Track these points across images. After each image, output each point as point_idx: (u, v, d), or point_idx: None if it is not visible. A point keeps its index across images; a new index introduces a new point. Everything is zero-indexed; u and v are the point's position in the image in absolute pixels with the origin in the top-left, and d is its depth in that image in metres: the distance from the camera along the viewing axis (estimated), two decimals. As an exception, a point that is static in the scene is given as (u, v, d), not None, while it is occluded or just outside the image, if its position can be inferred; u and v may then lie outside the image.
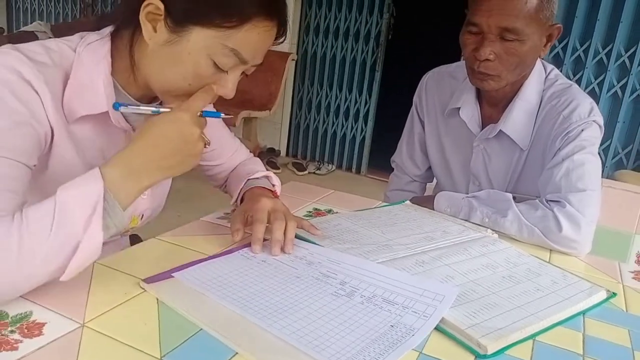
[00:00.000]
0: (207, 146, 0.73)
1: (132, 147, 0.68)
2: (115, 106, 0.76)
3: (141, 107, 0.76)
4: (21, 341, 0.59)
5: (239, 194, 1.02)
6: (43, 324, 0.62)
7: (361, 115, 4.21)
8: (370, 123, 4.19)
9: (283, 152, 4.59)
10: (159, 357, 0.58)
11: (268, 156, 4.22)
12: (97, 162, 0.80)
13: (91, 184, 0.63)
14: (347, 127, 4.31)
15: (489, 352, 0.64)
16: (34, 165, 0.72)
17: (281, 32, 0.77)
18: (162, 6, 0.71)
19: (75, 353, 0.58)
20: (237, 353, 0.60)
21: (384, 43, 3.99)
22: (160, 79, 0.77)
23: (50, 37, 2.82)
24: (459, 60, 1.30)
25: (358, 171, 4.33)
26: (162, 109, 0.75)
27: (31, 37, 3.03)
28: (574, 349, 0.69)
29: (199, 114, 0.72)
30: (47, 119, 0.73)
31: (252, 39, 0.73)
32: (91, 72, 0.76)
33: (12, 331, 0.60)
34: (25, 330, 0.61)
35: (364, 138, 4.25)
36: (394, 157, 1.52)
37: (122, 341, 0.60)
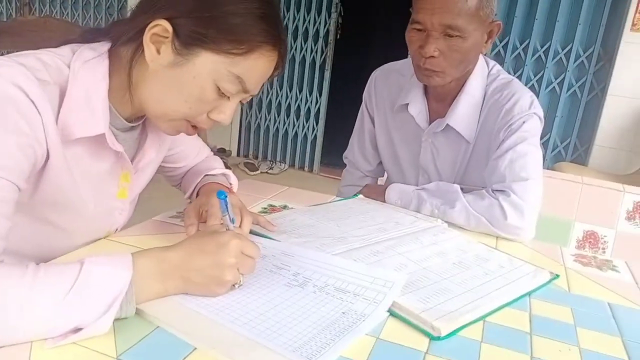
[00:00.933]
0: (235, 286, 0.70)
1: (171, 248, 0.68)
2: (221, 195, 0.74)
3: (228, 221, 0.75)
4: (-33, 348, 0.56)
5: (195, 188, 1.01)
6: (-10, 329, 0.59)
7: (312, 114, 4.23)
8: (321, 122, 4.22)
9: (234, 152, 4.55)
10: (115, 357, 0.57)
11: (219, 156, 4.16)
12: (86, 185, 0.79)
13: (120, 270, 0.61)
14: (298, 126, 4.32)
15: (443, 334, 0.66)
16: (23, 189, 0.69)
17: (280, 63, 0.78)
18: (170, 29, 0.70)
19: (26, 355, 0.56)
20: (195, 348, 0.59)
21: (333, 42, 4.03)
22: (159, 101, 0.75)
23: None
24: (407, 57, 1.33)
25: (311, 169, 4.35)
26: (230, 226, 0.75)
27: None
28: (522, 328, 0.72)
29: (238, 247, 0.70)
30: (45, 140, 0.70)
31: (257, 67, 0.74)
32: (88, 91, 0.73)
33: (-44, 338, 0.58)
34: (-29, 336, 0.58)
35: (315, 137, 4.27)
36: (346, 154, 1.54)
37: (75, 342, 0.59)
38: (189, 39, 0.71)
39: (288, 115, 4.34)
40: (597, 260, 1.03)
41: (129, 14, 0.78)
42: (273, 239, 0.89)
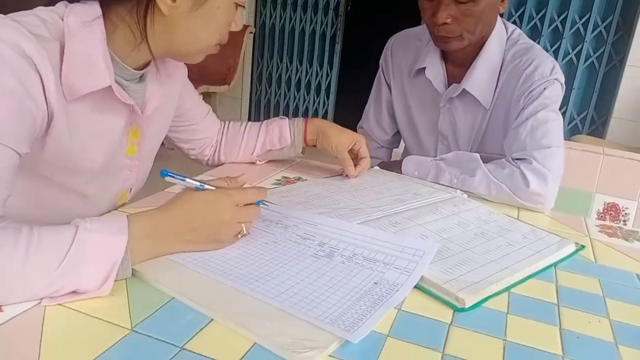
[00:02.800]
0: (239, 236, 0.71)
1: (163, 212, 0.66)
2: (163, 174, 0.70)
3: (187, 180, 0.71)
4: (-21, 318, 0.55)
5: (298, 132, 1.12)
6: (0, 302, 0.58)
7: (322, 88, 4.17)
8: (331, 96, 4.17)
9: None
10: (130, 328, 0.55)
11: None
12: (94, 144, 0.78)
13: (115, 235, 0.60)
14: (308, 101, 4.27)
15: (467, 305, 0.64)
16: (26, 153, 0.67)
17: None
18: None
19: (39, 328, 0.54)
20: (212, 320, 0.57)
21: (343, 14, 3.95)
22: (192, 42, 0.78)
23: None
24: (419, 22, 1.29)
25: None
26: (206, 186, 0.71)
27: None
28: (549, 299, 0.70)
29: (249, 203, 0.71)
30: (47, 102, 0.67)
31: None
32: (86, 43, 0.70)
33: (-32, 309, 0.56)
34: (-17, 307, 0.57)
35: (326, 112, 4.22)
36: (360, 123, 1.51)
37: (89, 314, 0.57)
38: None
39: (298, 90, 4.29)
40: (623, 231, 0.99)
41: None
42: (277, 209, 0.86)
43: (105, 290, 0.58)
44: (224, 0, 0.76)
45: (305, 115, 4.29)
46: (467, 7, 1.06)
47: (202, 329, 0.56)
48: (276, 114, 4.40)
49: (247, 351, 0.53)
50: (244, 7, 0.82)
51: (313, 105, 4.26)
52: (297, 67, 4.23)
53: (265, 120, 1.14)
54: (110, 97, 0.75)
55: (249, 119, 4.48)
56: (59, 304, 0.58)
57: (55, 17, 0.70)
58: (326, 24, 4.03)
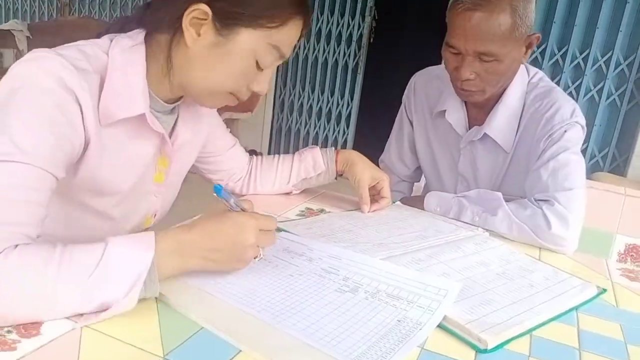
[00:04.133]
0: (256, 259, 0.73)
1: (190, 229, 0.69)
2: (217, 188, 0.74)
3: (231, 201, 0.75)
4: (19, 341, 0.57)
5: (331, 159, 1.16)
6: (40, 324, 0.60)
7: (343, 117, 4.22)
8: (352, 125, 4.21)
9: (265, 154, 4.56)
10: (162, 356, 0.57)
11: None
12: (124, 168, 0.81)
13: (143, 250, 0.63)
14: (328, 130, 4.31)
15: (490, 347, 0.65)
16: (62, 177, 0.71)
17: (306, 26, 0.82)
18: (209, 11, 0.73)
19: (76, 352, 0.57)
20: (240, 351, 0.59)
21: (366, 46, 4.01)
22: (204, 79, 0.79)
23: (27, 36, 2.77)
24: (436, 60, 1.32)
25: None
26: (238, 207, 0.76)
27: (7, 35, 3.01)
28: (570, 343, 0.70)
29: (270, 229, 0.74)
30: (84, 130, 0.72)
31: (290, 34, 0.79)
32: (127, 76, 0.75)
33: (9, 331, 0.59)
34: (23, 330, 0.59)
35: (345, 140, 4.26)
36: (382, 158, 1.53)
37: (123, 340, 0.59)
38: (229, 19, 0.74)
39: (319, 119, 4.34)
40: (645, 275, 0.99)
41: (154, 2, 0.80)
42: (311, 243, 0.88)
43: (131, 303, 0.61)
44: (244, 48, 0.76)
45: (325, 143, 4.33)
46: (491, 65, 1.09)
47: (232, 359, 0.58)
48: (296, 142, 4.45)
49: (275, 384, 0.55)
50: (265, 70, 0.81)
51: (333, 134, 4.30)
52: (318, 96, 4.29)
53: (297, 152, 1.18)
54: (143, 125, 0.79)
55: (270, 146, 4.55)
56: (95, 329, 0.60)
57: (97, 51, 0.75)
58: (349, 55, 4.10)
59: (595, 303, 0.84)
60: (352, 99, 4.16)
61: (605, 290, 0.88)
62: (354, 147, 4.22)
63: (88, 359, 0.56)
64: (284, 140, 4.52)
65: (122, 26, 0.81)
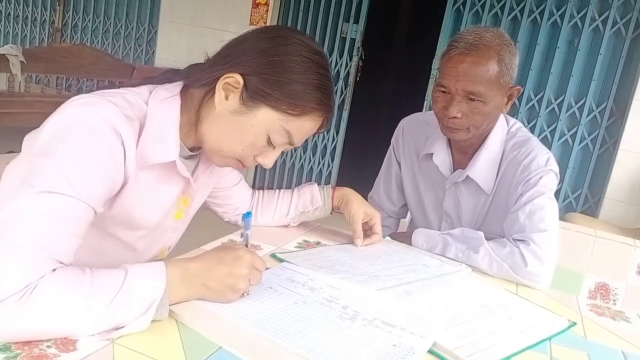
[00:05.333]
0: (244, 295, 0.82)
1: (194, 260, 0.79)
2: (247, 215, 0.89)
3: (246, 232, 0.89)
4: (59, 355, 0.64)
5: (328, 195, 1.26)
6: (75, 340, 0.67)
7: (328, 151, 4.34)
8: (336, 159, 4.32)
9: (250, 184, 4.63)
10: (188, 371, 0.65)
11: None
12: (152, 206, 0.90)
13: (156, 280, 0.72)
14: (314, 162, 4.42)
15: (474, 370, 0.73)
16: (100, 212, 0.78)
17: (325, 124, 0.89)
18: (242, 82, 0.82)
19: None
20: (256, 368, 0.67)
21: (352, 84, 4.17)
22: (217, 138, 0.87)
23: (21, 61, 2.87)
24: (420, 100, 1.43)
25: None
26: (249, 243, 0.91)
27: (2, 59, 3.10)
28: (544, 369, 0.79)
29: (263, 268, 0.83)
30: (125, 170, 0.80)
31: (305, 126, 0.86)
32: (163, 125, 0.84)
33: (48, 346, 0.66)
34: (61, 346, 0.66)
35: (330, 173, 4.37)
36: (371, 194, 1.63)
37: (151, 357, 0.67)
38: (256, 94, 0.83)
39: (305, 152, 4.45)
40: (611, 311, 1.09)
41: (205, 62, 0.89)
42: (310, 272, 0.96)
43: (145, 324, 0.70)
44: (259, 123, 0.83)
45: (310, 175, 4.44)
46: (477, 106, 1.21)
47: (249, 376, 0.65)
48: (281, 173, 4.54)
49: (288, 397, 0.62)
50: (276, 148, 0.88)
51: (318, 166, 4.41)
52: (305, 130, 4.41)
53: (296, 187, 1.27)
54: (172, 170, 0.88)
55: (255, 177, 4.64)
56: (125, 346, 0.67)
57: (139, 100, 0.84)
58: (336, 92, 4.24)
59: (566, 334, 0.93)
60: (337, 134, 4.28)
61: (575, 323, 0.97)
62: (338, 180, 4.33)
63: (123, 372, 0.63)
64: (269, 171, 4.61)
65: (170, 77, 0.90)
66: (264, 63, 0.82)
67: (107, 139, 0.76)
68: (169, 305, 0.74)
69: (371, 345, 0.74)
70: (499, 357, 0.78)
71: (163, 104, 0.85)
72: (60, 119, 0.77)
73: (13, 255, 0.66)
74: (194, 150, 0.94)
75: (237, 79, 0.82)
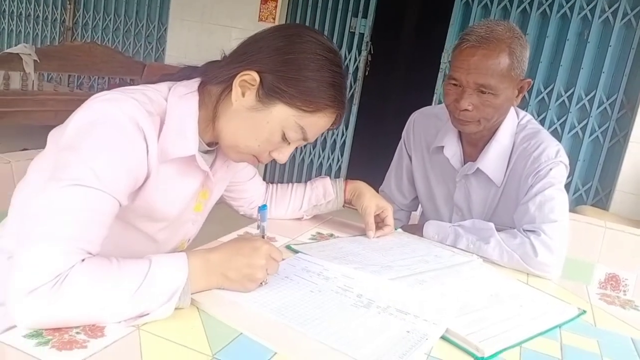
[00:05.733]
0: (262, 284, 0.84)
1: (215, 250, 0.82)
2: (263, 207, 0.93)
3: (262, 224, 0.93)
4: (88, 341, 0.67)
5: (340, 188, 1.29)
6: (103, 327, 0.70)
7: (337, 145, 4.36)
8: (346, 153, 4.34)
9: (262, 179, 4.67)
10: (211, 355, 0.68)
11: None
12: (173, 199, 0.93)
13: (178, 270, 0.75)
14: (323, 157, 4.44)
15: (486, 355, 0.76)
16: (125, 204, 0.81)
17: (338, 121, 0.92)
18: (258, 79, 0.84)
19: (138, 351, 0.67)
20: (276, 353, 0.70)
21: (361, 78, 4.18)
22: (234, 134, 0.89)
23: (35, 60, 2.92)
24: (430, 94, 1.45)
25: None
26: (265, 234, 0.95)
27: (15, 58, 3.15)
28: (554, 355, 0.82)
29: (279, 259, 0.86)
30: (148, 164, 0.83)
31: (319, 123, 0.88)
32: (182, 121, 0.87)
33: (77, 332, 0.69)
34: (89, 332, 0.69)
35: (340, 168, 4.39)
36: (382, 187, 1.65)
37: (176, 342, 0.70)
38: (271, 91, 0.85)
39: (314, 147, 4.47)
40: (620, 300, 1.11)
41: (223, 59, 0.92)
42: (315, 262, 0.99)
43: (168, 312, 0.73)
44: (275, 120, 0.86)
45: (320, 170, 4.46)
46: (487, 98, 1.23)
47: (270, 359, 0.68)
48: (292, 168, 4.57)
49: (308, 380, 0.65)
50: (290, 144, 0.90)
51: (327, 161, 4.43)
52: (314, 125, 4.43)
53: (309, 181, 1.30)
54: (192, 163, 0.91)
55: (265, 172, 4.67)
56: (150, 332, 0.70)
57: (158, 96, 0.86)
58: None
59: (576, 322, 0.95)
60: (347, 129, 4.30)
61: (585, 311, 0.99)
62: (348, 174, 4.35)
63: (150, 356, 0.66)
64: (279, 166, 4.64)
65: (188, 74, 0.93)
66: (279, 61, 0.84)
67: (130, 133, 0.79)
68: (191, 293, 0.77)
69: (386, 332, 0.77)
70: (510, 343, 0.80)
71: (182, 100, 0.88)
72: (85, 115, 0.80)
73: (45, 246, 0.70)
74: (212, 145, 0.97)
75: (253, 76, 0.84)
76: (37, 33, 5.62)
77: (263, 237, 0.94)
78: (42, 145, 0.96)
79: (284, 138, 0.88)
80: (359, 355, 0.69)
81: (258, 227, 0.96)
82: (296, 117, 0.86)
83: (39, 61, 3.77)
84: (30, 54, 3.75)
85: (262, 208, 0.92)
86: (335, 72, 0.86)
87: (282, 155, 0.92)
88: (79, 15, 5.33)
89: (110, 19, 5.14)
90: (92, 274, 0.70)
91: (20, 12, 5.64)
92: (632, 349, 0.88)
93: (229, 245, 0.84)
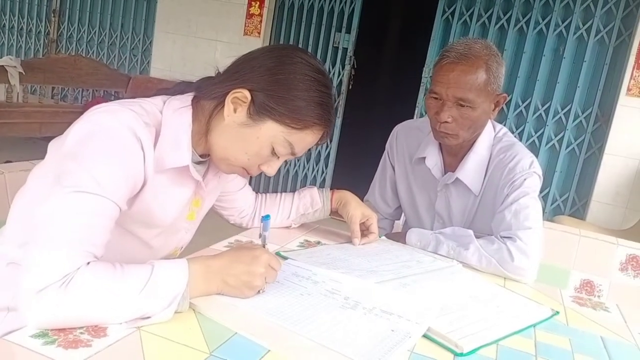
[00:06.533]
0: (260, 292, 0.88)
1: (216, 257, 0.86)
2: (266, 217, 0.97)
3: (264, 233, 0.97)
4: (92, 340, 0.71)
5: (327, 197, 1.34)
6: (105, 328, 0.74)
7: (322, 157, 4.42)
8: (330, 165, 4.41)
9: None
10: (209, 352, 0.72)
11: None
12: (167, 207, 0.97)
13: (180, 275, 0.79)
14: (308, 169, 4.50)
15: (465, 351, 0.81)
16: (124, 210, 0.85)
17: (325, 137, 0.96)
18: (249, 97, 0.89)
19: (139, 349, 0.71)
20: (269, 351, 0.74)
21: (345, 92, 4.26)
22: (225, 148, 0.94)
23: (20, 72, 2.95)
24: (410, 107, 1.52)
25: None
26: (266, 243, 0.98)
27: (1, 70, 3.19)
28: (529, 351, 0.88)
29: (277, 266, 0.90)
30: (144, 172, 0.87)
31: (306, 139, 0.93)
32: (177, 133, 0.91)
33: (81, 332, 0.73)
34: (93, 332, 0.73)
35: (324, 179, 4.45)
36: (367, 197, 1.71)
37: (175, 341, 0.74)
38: (262, 108, 0.90)
39: (299, 159, 4.52)
40: (592, 302, 1.18)
41: (216, 76, 0.97)
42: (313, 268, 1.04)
43: (168, 315, 0.77)
44: (264, 135, 0.90)
45: (305, 181, 4.52)
46: (466, 112, 1.30)
47: (263, 356, 0.73)
48: (276, 180, 4.62)
49: (300, 374, 0.70)
50: (279, 158, 0.95)
51: (312, 172, 4.49)
52: (299, 137, 4.49)
53: (297, 191, 1.36)
54: (185, 173, 0.95)
55: (250, 182, 4.70)
56: (150, 332, 0.74)
57: (154, 109, 0.91)
58: (329, 100, 4.32)
59: (550, 322, 1.01)
60: (331, 141, 4.36)
61: (558, 312, 1.06)
62: (332, 185, 4.41)
63: (152, 354, 0.70)
64: (264, 178, 4.68)
65: (183, 89, 0.98)
66: (270, 80, 0.90)
67: (128, 142, 0.84)
68: (190, 298, 0.81)
69: (372, 330, 0.82)
70: (488, 341, 0.86)
71: (176, 114, 0.93)
72: (85, 126, 0.85)
73: (51, 248, 0.74)
74: (204, 157, 1.02)
75: (245, 93, 0.90)
76: (20, 45, 5.60)
77: (264, 246, 0.98)
78: (26, 157, 0.99)
79: (273, 152, 0.93)
80: (347, 351, 0.74)
81: (260, 236, 1.00)
82: (285, 134, 0.91)
83: (24, 73, 3.79)
84: (15, 66, 3.76)
85: (265, 218, 0.95)
86: (323, 92, 0.92)
87: (271, 169, 0.97)
88: (64, 28, 5.34)
89: (95, 32, 5.16)
90: (97, 276, 0.75)
91: (4, 24, 5.63)
92: (602, 347, 0.95)
93: (230, 252, 0.88)
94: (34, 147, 3.66)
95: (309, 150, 4.63)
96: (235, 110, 0.91)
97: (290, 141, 0.92)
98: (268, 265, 0.87)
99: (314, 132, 0.93)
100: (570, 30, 3.42)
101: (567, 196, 3.57)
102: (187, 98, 0.96)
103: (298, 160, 4.52)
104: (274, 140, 0.91)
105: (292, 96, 0.89)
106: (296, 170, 4.55)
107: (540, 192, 1.37)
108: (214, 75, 0.99)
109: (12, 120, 3.71)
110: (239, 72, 0.92)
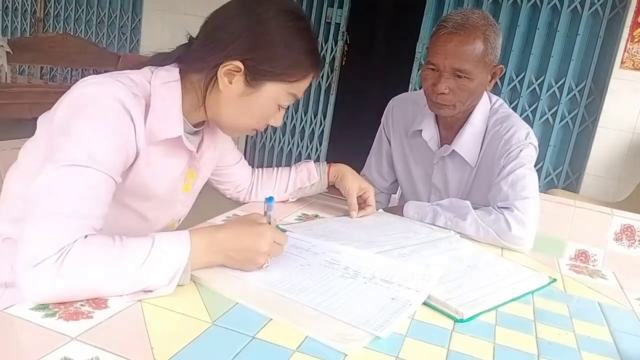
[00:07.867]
0: (264, 267, 0.87)
1: (220, 229, 0.85)
2: (270, 199, 0.94)
3: (269, 213, 0.93)
4: (93, 312, 0.71)
5: (324, 171, 1.34)
6: (106, 300, 0.74)
7: (316, 135, 4.41)
8: (324, 142, 4.39)
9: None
10: (211, 322, 0.72)
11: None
12: (162, 179, 0.96)
13: (182, 247, 0.78)
14: (302, 147, 4.49)
15: (465, 317, 0.82)
16: (119, 182, 0.84)
17: (318, 74, 0.99)
18: (242, 66, 0.89)
19: (142, 320, 0.71)
20: (271, 319, 0.74)
21: (338, 68, 4.22)
22: (233, 119, 0.96)
23: (7, 51, 2.90)
24: (404, 83, 1.51)
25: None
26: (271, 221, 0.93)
27: None
28: (528, 316, 0.88)
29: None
30: (136, 143, 0.86)
31: (305, 84, 0.97)
32: (168, 104, 0.90)
33: (82, 305, 0.72)
34: (93, 304, 0.73)
35: (318, 157, 4.44)
36: (363, 172, 1.70)
37: (177, 311, 0.74)
38: (257, 74, 0.90)
39: (293, 136, 4.51)
40: (589, 269, 1.19)
41: (195, 45, 0.95)
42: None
43: (170, 289, 0.76)
44: (268, 97, 0.93)
45: (299, 159, 4.50)
46: (463, 82, 1.29)
47: (265, 325, 0.73)
48: (271, 157, 4.61)
49: (302, 341, 0.70)
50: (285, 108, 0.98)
51: (306, 150, 4.47)
52: (293, 114, 4.47)
53: (294, 165, 1.35)
54: (179, 144, 0.94)
55: (245, 158, 4.68)
56: (151, 304, 0.74)
57: (143, 80, 0.90)
58: (322, 77, 4.29)
59: (548, 289, 1.02)
60: (325, 118, 4.35)
61: (555, 279, 1.06)
62: (327, 162, 4.40)
63: (153, 324, 0.70)
64: (258, 155, 4.66)
65: (161, 61, 0.96)
66: (255, 44, 0.89)
67: (117, 114, 0.83)
68: (192, 270, 0.80)
69: (372, 299, 0.82)
70: (488, 307, 0.86)
71: (166, 86, 0.91)
72: (73, 99, 0.83)
73: (48, 222, 0.73)
74: (198, 127, 1.01)
75: (237, 64, 0.89)
76: (6, 25, 5.50)
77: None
78: (15, 138, 0.99)
79: (279, 107, 0.96)
80: (349, 319, 0.74)
81: (265, 214, 0.99)
82: (286, 88, 0.94)
83: (12, 53, 3.72)
84: (2, 46, 3.69)
85: (269, 200, 0.94)
86: (308, 38, 0.94)
87: (279, 121, 0.99)
88: (50, 6, 5.24)
89: (82, 10, 5.07)
90: (94, 249, 0.74)
91: (-11, 3, 5.52)
92: (599, 311, 0.96)
93: (235, 226, 0.87)
94: (24, 129, 3.61)
95: (302, 127, 4.60)
96: (230, 82, 0.91)
97: (292, 92, 0.95)
98: (272, 242, 0.86)
99: (310, 77, 0.96)
100: (564, 3, 3.39)
101: (560, 170, 3.58)
102: (175, 70, 0.94)
103: (292, 138, 4.51)
104: (278, 97, 0.94)
105: (282, 54, 0.90)
106: (290, 148, 4.54)
107: (535, 165, 1.37)
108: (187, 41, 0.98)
109: (1, 101, 3.66)
110: (219, 41, 0.90)
